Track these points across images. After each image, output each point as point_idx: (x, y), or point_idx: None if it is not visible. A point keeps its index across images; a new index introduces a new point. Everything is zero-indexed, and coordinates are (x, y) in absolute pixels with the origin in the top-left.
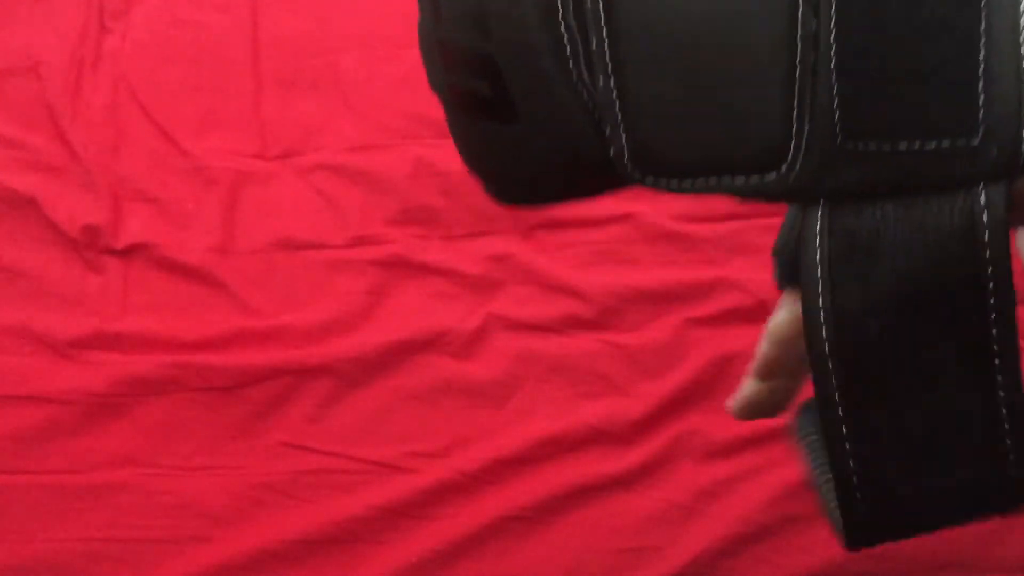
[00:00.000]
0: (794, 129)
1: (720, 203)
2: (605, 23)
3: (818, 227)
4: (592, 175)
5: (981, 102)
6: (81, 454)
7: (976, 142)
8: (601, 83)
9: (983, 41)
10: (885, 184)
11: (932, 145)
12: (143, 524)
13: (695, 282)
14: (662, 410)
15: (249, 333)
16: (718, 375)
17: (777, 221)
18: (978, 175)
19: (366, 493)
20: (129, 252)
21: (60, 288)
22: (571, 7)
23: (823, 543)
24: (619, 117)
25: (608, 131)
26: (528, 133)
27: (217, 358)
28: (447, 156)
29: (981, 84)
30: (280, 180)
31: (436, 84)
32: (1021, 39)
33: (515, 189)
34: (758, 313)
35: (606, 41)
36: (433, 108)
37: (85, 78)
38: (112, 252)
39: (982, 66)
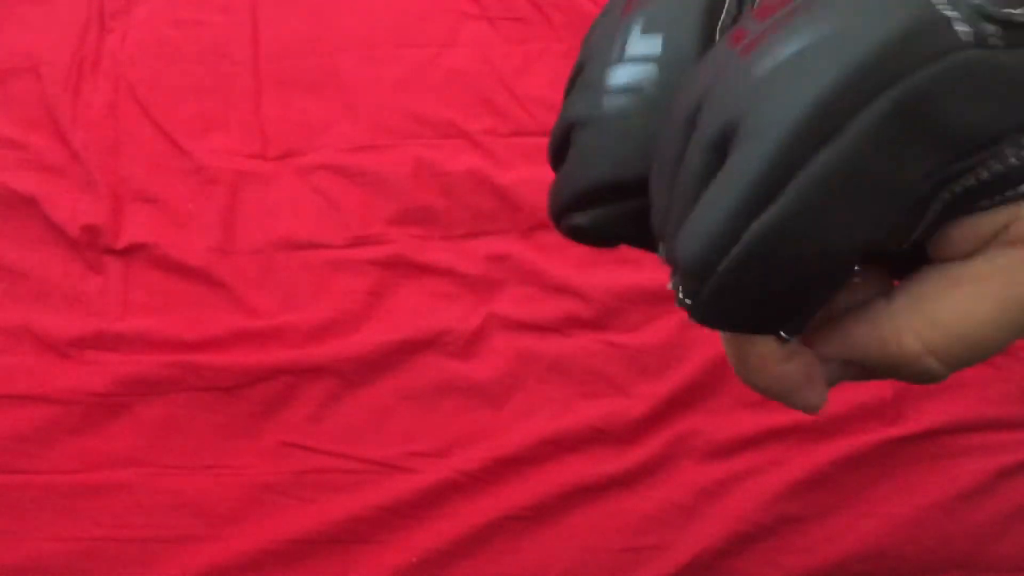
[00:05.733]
0: None
1: None
2: None
3: None
4: None
5: None
6: (81, 454)
7: None
8: None
9: None
10: None
11: None
12: (143, 524)
13: None
14: (662, 410)
15: (249, 333)
16: (718, 375)
17: None
18: None
19: (366, 493)
20: (129, 252)
21: (60, 288)
22: None
23: (823, 543)
24: None
25: None
26: None
27: (217, 358)
28: (447, 156)
29: None
30: (280, 180)
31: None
32: None
33: None
34: None
35: None
36: (433, 108)
37: (85, 78)
38: (112, 252)
39: None
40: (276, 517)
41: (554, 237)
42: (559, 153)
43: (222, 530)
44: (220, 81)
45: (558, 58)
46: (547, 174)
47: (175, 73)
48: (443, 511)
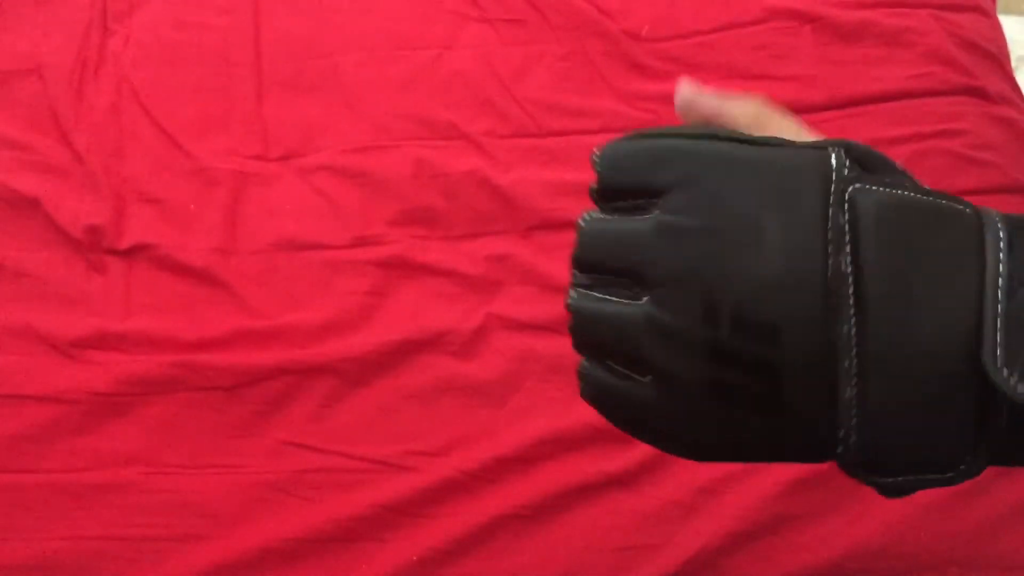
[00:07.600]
0: (974, 442)
1: None
2: (856, 346)
3: None
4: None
5: None
6: (84, 453)
7: None
8: (847, 392)
9: None
10: None
11: None
12: (145, 523)
13: None
14: None
15: (251, 333)
16: None
17: None
18: None
19: (367, 492)
20: (132, 253)
21: (63, 288)
22: (835, 325)
23: (821, 541)
24: (855, 420)
25: (842, 432)
26: (780, 426)
27: (219, 358)
28: (447, 157)
29: None
30: (282, 181)
31: (680, 370)
32: None
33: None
34: None
35: (855, 360)
36: (433, 110)
37: (88, 80)
38: (115, 253)
39: None
40: (278, 516)
41: (554, 237)
42: None
43: (224, 529)
44: (222, 83)
45: (557, 60)
46: (546, 175)
47: (177, 75)
48: (444, 510)
